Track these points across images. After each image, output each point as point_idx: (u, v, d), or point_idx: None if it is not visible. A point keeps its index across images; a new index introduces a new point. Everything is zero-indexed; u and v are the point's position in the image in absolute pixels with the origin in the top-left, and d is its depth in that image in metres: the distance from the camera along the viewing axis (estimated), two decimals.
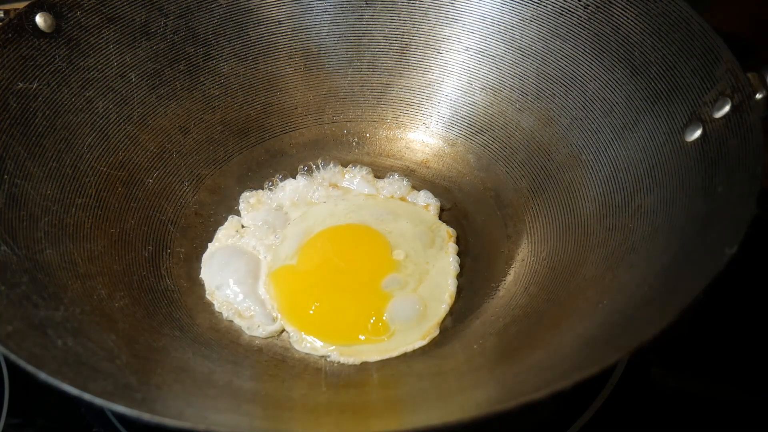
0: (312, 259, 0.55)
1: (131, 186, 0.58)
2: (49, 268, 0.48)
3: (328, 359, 0.50)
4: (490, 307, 0.53)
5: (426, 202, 0.61)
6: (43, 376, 0.37)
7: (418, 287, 0.53)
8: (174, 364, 0.46)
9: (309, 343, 0.51)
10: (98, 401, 0.36)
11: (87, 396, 0.36)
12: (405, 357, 0.50)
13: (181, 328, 0.51)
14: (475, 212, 0.60)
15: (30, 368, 0.37)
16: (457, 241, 0.58)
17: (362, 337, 0.51)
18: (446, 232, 0.58)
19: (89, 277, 0.50)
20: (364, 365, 0.50)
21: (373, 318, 0.51)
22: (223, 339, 0.52)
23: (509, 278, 0.55)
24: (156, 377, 0.43)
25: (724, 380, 0.54)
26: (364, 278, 0.53)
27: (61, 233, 0.51)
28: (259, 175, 0.64)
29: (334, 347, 0.51)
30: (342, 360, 0.50)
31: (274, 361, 0.51)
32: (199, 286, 0.56)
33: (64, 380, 0.36)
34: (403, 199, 0.61)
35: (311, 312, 0.52)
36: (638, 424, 0.51)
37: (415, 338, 0.51)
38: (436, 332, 0.52)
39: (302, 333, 0.52)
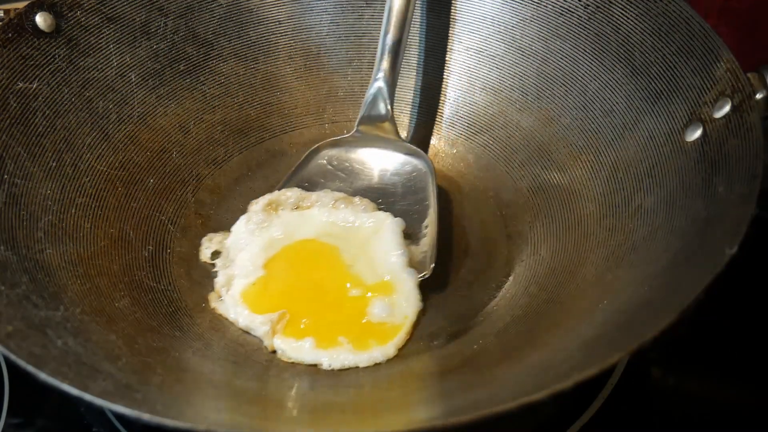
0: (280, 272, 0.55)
1: (131, 186, 0.58)
2: (49, 268, 0.48)
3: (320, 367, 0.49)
4: (490, 307, 0.53)
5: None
6: (43, 376, 0.37)
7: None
8: (174, 364, 0.46)
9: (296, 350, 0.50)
10: (98, 401, 0.36)
11: (87, 396, 0.36)
12: (405, 357, 0.50)
13: (181, 328, 0.51)
14: (475, 212, 0.60)
15: (30, 368, 0.37)
16: (457, 241, 0.58)
17: (345, 340, 0.50)
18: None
19: (89, 277, 0.50)
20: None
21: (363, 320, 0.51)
22: (223, 339, 0.52)
23: (509, 278, 0.55)
24: (156, 377, 0.43)
25: (724, 380, 0.54)
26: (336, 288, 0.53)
27: (61, 233, 0.51)
28: (259, 175, 0.64)
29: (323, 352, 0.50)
30: (334, 366, 0.49)
31: (274, 361, 0.51)
32: (199, 285, 0.56)
33: (64, 380, 0.36)
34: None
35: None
36: (638, 424, 0.51)
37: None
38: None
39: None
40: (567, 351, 0.42)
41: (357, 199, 0.58)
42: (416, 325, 0.52)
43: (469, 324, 0.52)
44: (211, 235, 0.58)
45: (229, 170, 0.63)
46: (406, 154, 0.60)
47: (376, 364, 0.49)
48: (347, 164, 0.61)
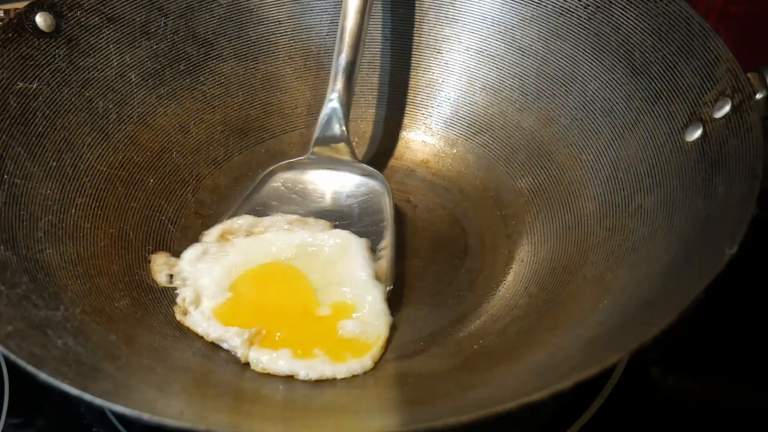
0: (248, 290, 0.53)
1: (131, 186, 0.58)
2: (49, 268, 0.48)
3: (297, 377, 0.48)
4: (490, 307, 0.53)
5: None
6: (43, 376, 0.37)
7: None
8: (174, 364, 0.46)
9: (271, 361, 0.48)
10: (98, 401, 0.36)
11: (87, 396, 0.36)
12: (404, 357, 0.50)
13: (181, 328, 0.51)
14: (475, 212, 0.60)
15: (30, 368, 0.37)
16: (457, 241, 0.58)
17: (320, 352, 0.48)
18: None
19: (89, 277, 0.50)
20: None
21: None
22: None
23: (509, 278, 0.55)
24: (156, 377, 0.43)
25: (724, 380, 0.54)
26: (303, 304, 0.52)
27: (61, 233, 0.51)
28: (259, 175, 0.64)
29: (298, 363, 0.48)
30: (311, 376, 0.47)
31: None
32: None
33: (64, 380, 0.36)
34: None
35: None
36: (638, 424, 0.51)
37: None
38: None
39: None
40: (567, 351, 0.42)
41: (311, 219, 0.57)
42: (389, 340, 0.50)
43: (469, 324, 0.52)
44: (155, 256, 0.55)
45: (229, 170, 0.63)
46: (362, 175, 0.59)
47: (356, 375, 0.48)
48: (301, 186, 0.60)
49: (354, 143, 0.66)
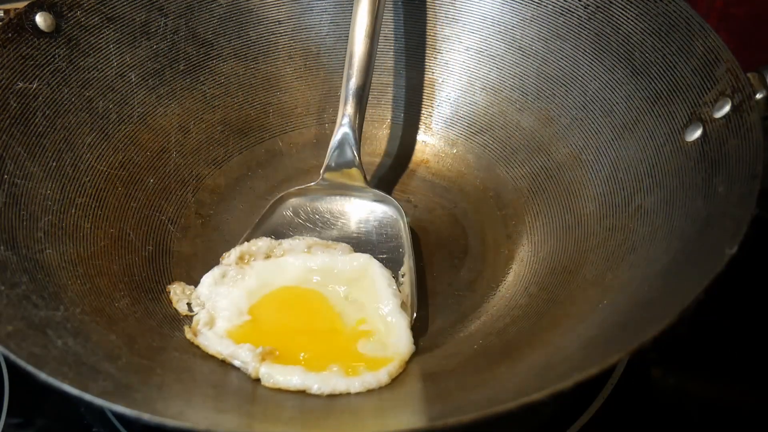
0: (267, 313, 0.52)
1: (131, 186, 0.58)
2: (49, 268, 0.48)
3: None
4: (490, 307, 0.53)
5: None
6: (43, 376, 0.37)
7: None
8: (174, 364, 0.46)
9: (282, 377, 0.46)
10: (98, 401, 0.36)
11: (87, 396, 0.36)
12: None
13: (181, 329, 0.51)
14: (475, 212, 0.60)
15: (30, 368, 0.37)
16: (457, 241, 0.58)
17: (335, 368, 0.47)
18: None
19: (89, 277, 0.50)
20: None
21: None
22: None
23: (509, 278, 0.55)
24: (156, 377, 0.43)
25: (724, 380, 0.54)
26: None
27: (61, 233, 0.51)
28: (259, 175, 0.64)
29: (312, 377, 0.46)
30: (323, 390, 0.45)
31: None
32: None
33: (64, 380, 0.36)
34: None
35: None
36: (638, 424, 0.51)
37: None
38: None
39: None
40: (567, 351, 0.42)
41: (331, 242, 0.55)
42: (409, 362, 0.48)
43: (469, 324, 0.52)
44: (171, 287, 0.54)
45: (229, 170, 0.63)
46: (375, 201, 0.57)
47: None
48: (315, 215, 0.58)
49: None
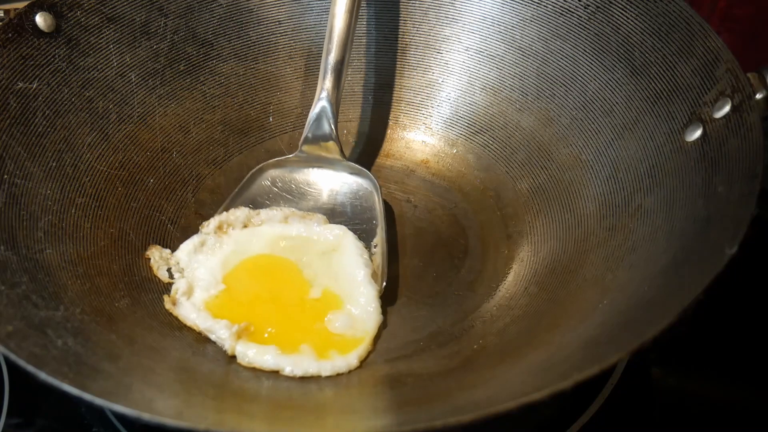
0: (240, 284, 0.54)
1: (131, 186, 0.58)
2: (49, 268, 0.48)
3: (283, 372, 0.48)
4: (490, 307, 0.53)
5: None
6: (43, 376, 0.37)
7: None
8: (174, 364, 0.46)
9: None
10: (98, 401, 0.36)
11: (87, 396, 0.36)
12: (405, 357, 0.50)
13: (181, 328, 0.51)
14: (475, 212, 0.60)
15: (30, 368, 0.37)
16: (458, 241, 0.58)
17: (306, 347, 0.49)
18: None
19: (89, 277, 0.50)
20: (363, 366, 0.50)
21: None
22: None
23: (509, 278, 0.55)
24: (156, 377, 0.43)
25: (724, 380, 0.54)
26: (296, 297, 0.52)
27: (61, 233, 0.51)
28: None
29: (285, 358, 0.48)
30: (296, 372, 0.47)
31: None
32: None
33: (64, 380, 0.36)
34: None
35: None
36: (638, 424, 0.51)
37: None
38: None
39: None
40: (567, 351, 0.42)
41: (308, 213, 0.58)
42: (377, 338, 0.51)
43: (469, 324, 0.52)
44: (149, 252, 0.55)
45: (229, 170, 0.63)
46: (351, 173, 0.60)
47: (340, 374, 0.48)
48: (293, 185, 0.60)
49: (353, 143, 0.66)
